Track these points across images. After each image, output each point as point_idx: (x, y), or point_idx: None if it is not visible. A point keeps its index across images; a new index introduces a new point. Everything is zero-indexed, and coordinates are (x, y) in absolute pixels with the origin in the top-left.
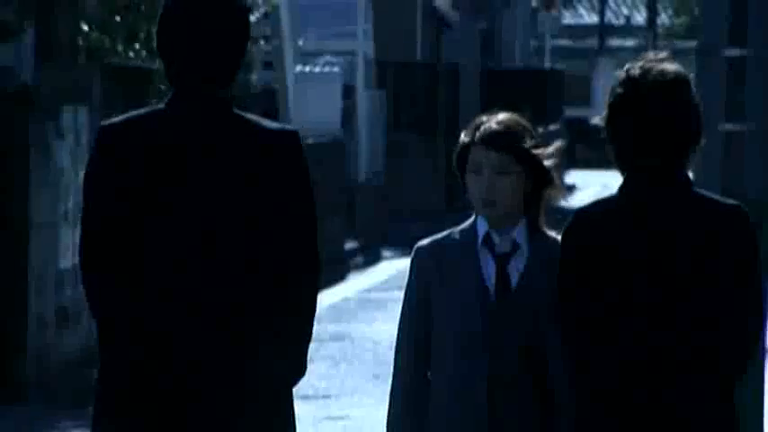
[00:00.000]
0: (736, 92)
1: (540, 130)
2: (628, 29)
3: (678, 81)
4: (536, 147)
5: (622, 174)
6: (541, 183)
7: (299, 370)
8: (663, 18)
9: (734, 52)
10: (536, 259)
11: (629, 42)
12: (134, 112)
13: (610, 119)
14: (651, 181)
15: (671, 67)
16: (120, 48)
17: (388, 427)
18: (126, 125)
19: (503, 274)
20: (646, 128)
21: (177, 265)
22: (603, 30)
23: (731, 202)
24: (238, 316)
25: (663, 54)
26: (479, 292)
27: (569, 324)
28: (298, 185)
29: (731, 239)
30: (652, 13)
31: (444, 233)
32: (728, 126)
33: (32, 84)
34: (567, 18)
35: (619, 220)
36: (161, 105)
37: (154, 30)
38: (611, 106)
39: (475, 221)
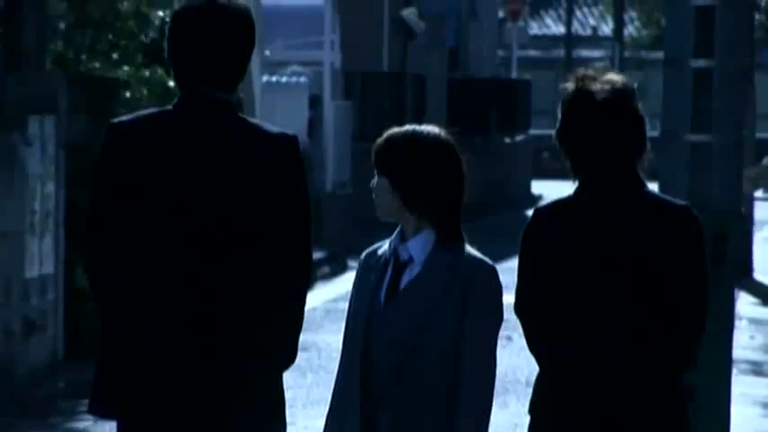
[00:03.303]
0: (702, 103)
1: (507, 140)
2: (595, 39)
3: (626, 90)
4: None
5: (576, 178)
6: (410, 202)
7: (291, 356)
8: (630, 29)
9: (700, 63)
10: (428, 273)
11: (597, 53)
12: (143, 112)
13: (562, 128)
14: (605, 181)
15: (616, 77)
16: (83, 58)
17: None
18: (133, 123)
19: (395, 285)
20: (597, 135)
21: (179, 259)
22: (571, 40)
23: (681, 202)
24: (236, 305)
25: (603, 64)
26: (373, 301)
27: (528, 319)
28: (295, 186)
29: (681, 239)
30: (619, 24)
31: (388, 239)
32: (695, 137)
33: None
34: (534, 29)
35: (575, 217)
36: (169, 107)
37: (116, 42)
38: (563, 116)
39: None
